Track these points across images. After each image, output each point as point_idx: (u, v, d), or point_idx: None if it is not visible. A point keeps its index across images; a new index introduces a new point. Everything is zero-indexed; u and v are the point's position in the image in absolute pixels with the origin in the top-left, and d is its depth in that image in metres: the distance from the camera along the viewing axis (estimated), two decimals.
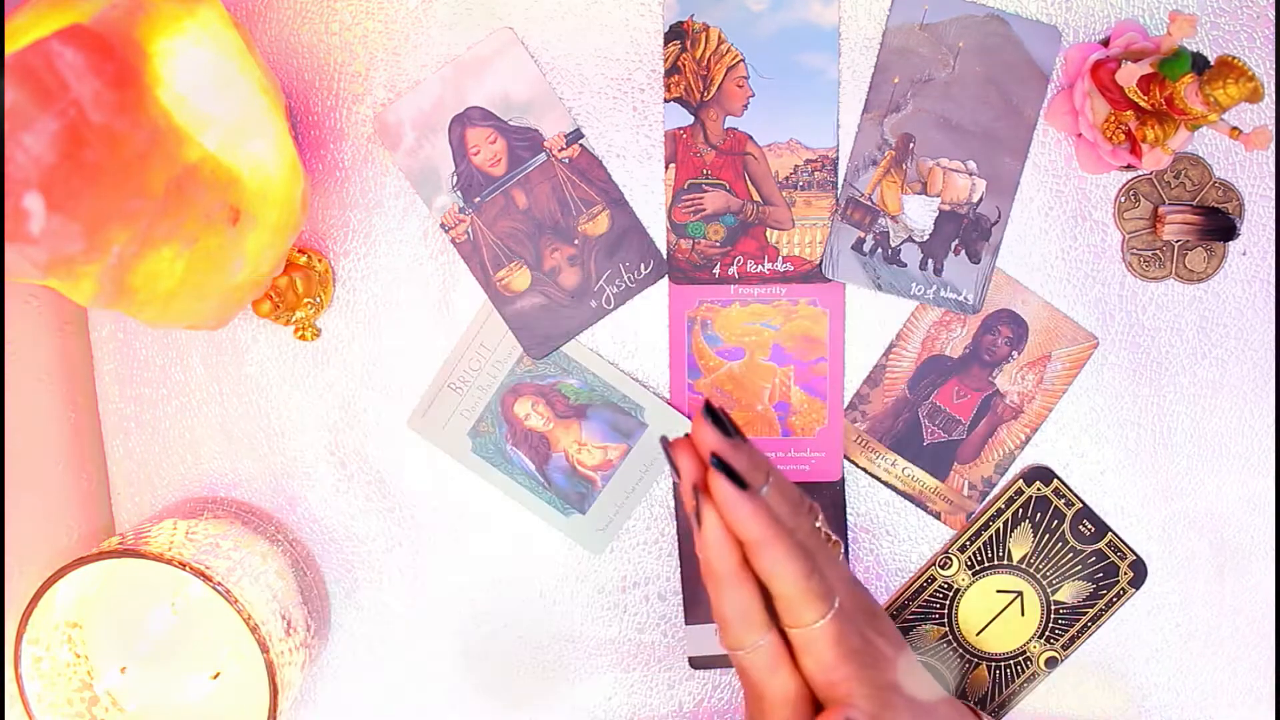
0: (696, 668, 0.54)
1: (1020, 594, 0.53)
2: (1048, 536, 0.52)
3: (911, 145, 0.50)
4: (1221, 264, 0.51)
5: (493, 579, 0.54)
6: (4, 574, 0.47)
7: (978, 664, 0.54)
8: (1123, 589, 0.52)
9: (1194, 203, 0.51)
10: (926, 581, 0.53)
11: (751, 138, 0.50)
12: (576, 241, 0.51)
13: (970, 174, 0.50)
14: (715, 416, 0.40)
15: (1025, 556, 0.52)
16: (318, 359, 0.52)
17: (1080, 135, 0.49)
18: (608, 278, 0.51)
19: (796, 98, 0.50)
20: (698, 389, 0.52)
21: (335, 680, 0.55)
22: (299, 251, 0.51)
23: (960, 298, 0.51)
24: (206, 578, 0.45)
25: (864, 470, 0.53)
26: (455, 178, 0.51)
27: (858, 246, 0.51)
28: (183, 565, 0.45)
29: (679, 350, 0.52)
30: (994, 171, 0.50)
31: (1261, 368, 0.52)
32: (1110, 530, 0.52)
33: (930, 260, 0.51)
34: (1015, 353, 0.51)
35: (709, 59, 0.50)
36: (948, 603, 0.53)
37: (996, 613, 0.53)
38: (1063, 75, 0.50)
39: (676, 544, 0.53)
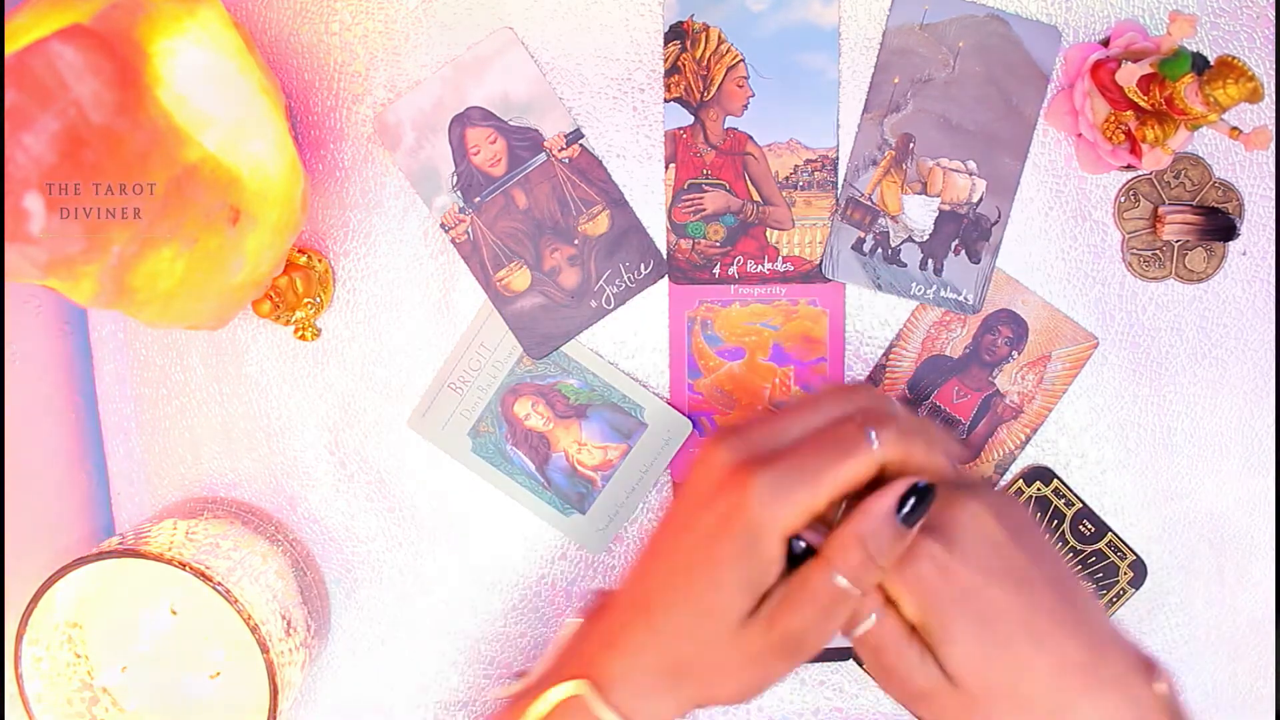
0: None
1: None
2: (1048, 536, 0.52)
3: (911, 145, 0.50)
4: (1221, 264, 0.51)
5: (493, 579, 0.54)
6: (4, 574, 0.47)
7: None
8: (1123, 589, 0.52)
9: (1194, 203, 0.51)
10: None
11: (751, 138, 0.50)
12: (576, 241, 0.51)
13: (970, 174, 0.50)
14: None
15: None
16: (318, 359, 0.52)
17: (1080, 135, 0.49)
18: (608, 278, 0.51)
19: (796, 98, 0.50)
20: (698, 389, 0.52)
21: (335, 680, 0.55)
22: (299, 251, 0.51)
23: (960, 298, 0.51)
24: (206, 578, 0.45)
25: None
26: (455, 178, 0.51)
27: (858, 246, 0.51)
28: (183, 565, 0.45)
29: (679, 350, 0.52)
30: (994, 171, 0.50)
31: (1261, 368, 0.52)
32: (1110, 530, 0.52)
33: (930, 260, 0.51)
34: (1015, 353, 0.51)
35: (709, 59, 0.50)
36: None
37: None
38: (1063, 75, 0.50)
39: None
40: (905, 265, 0.51)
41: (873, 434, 0.38)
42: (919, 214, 0.50)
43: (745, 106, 0.50)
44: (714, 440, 0.40)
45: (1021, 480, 0.52)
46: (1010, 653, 0.38)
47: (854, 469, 0.38)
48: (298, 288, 0.51)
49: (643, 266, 0.51)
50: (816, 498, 0.38)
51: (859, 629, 0.39)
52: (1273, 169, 0.50)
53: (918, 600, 0.39)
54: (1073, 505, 0.52)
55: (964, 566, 0.38)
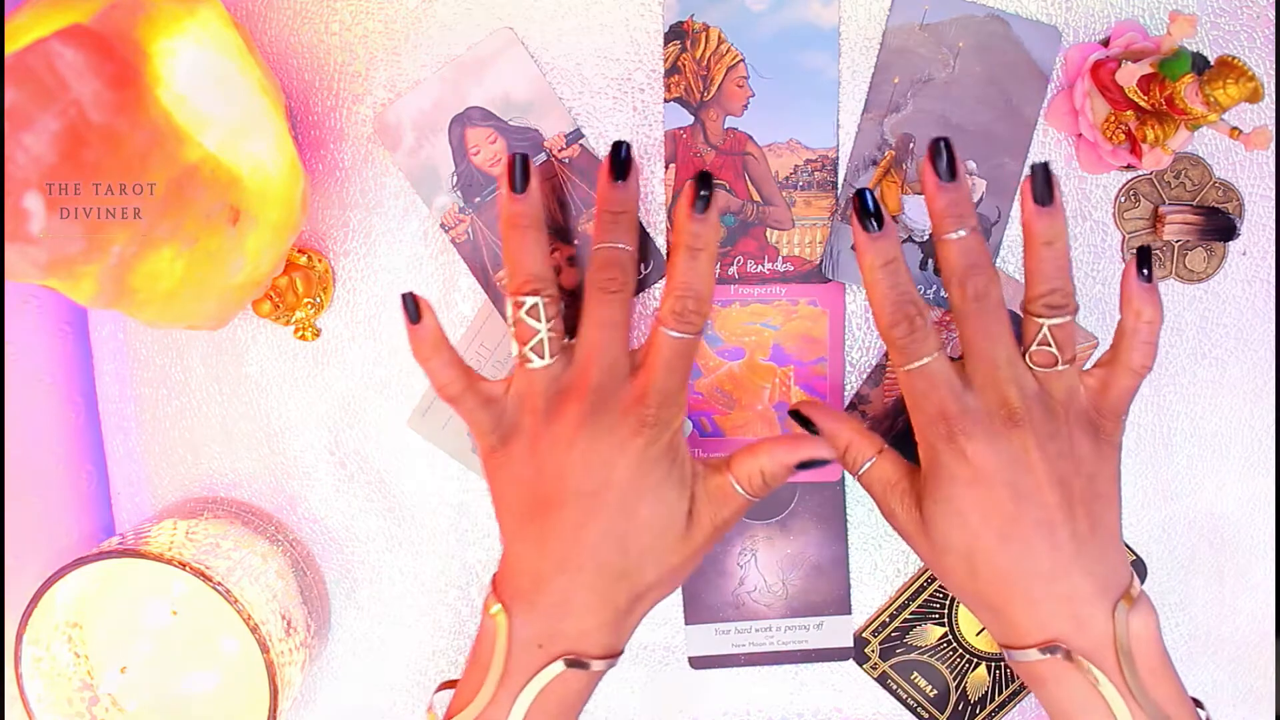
0: (696, 668, 0.54)
1: None
2: None
3: (911, 145, 0.50)
4: (1221, 264, 0.51)
5: None
6: (4, 574, 0.47)
7: (978, 664, 0.54)
8: None
9: (1194, 203, 0.51)
10: (927, 581, 0.53)
11: (751, 138, 0.50)
12: (576, 241, 0.51)
13: (970, 174, 0.50)
14: (943, 161, 0.43)
15: None
16: (318, 359, 0.52)
17: (1080, 135, 0.49)
18: None
19: (796, 98, 0.50)
20: (698, 389, 0.52)
21: (335, 680, 0.55)
22: (299, 251, 0.51)
23: None
24: (206, 578, 0.45)
25: None
26: (455, 178, 0.51)
27: None
28: (183, 565, 0.45)
29: None
30: (994, 171, 0.50)
31: (1261, 368, 0.52)
32: None
33: (930, 260, 0.51)
34: None
35: (709, 59, 0.50)
36: (948, 603, 0.53)
37: None
38: (1063, 75, 0.50)
39: None
40: None
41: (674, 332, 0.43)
42: (919, 214, 0.50)
43: (745, 106, 0.50)
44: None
45: None
46: (975, 534, 0.42)
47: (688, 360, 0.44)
48: (298, 288, 0.51)
49: (643, 266, 0.51)
50: (682, 397, 0.44)
51: (861, 469, 0.45)
52: (1273, 169, 0.50)
53: (925, 455, 0.44)
54: None
55: (978, 460, 0.42)
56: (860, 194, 0.44)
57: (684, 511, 0.44)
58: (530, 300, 0.44)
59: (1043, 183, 0.43)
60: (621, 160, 0.45)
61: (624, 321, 0.44)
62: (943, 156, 0.43)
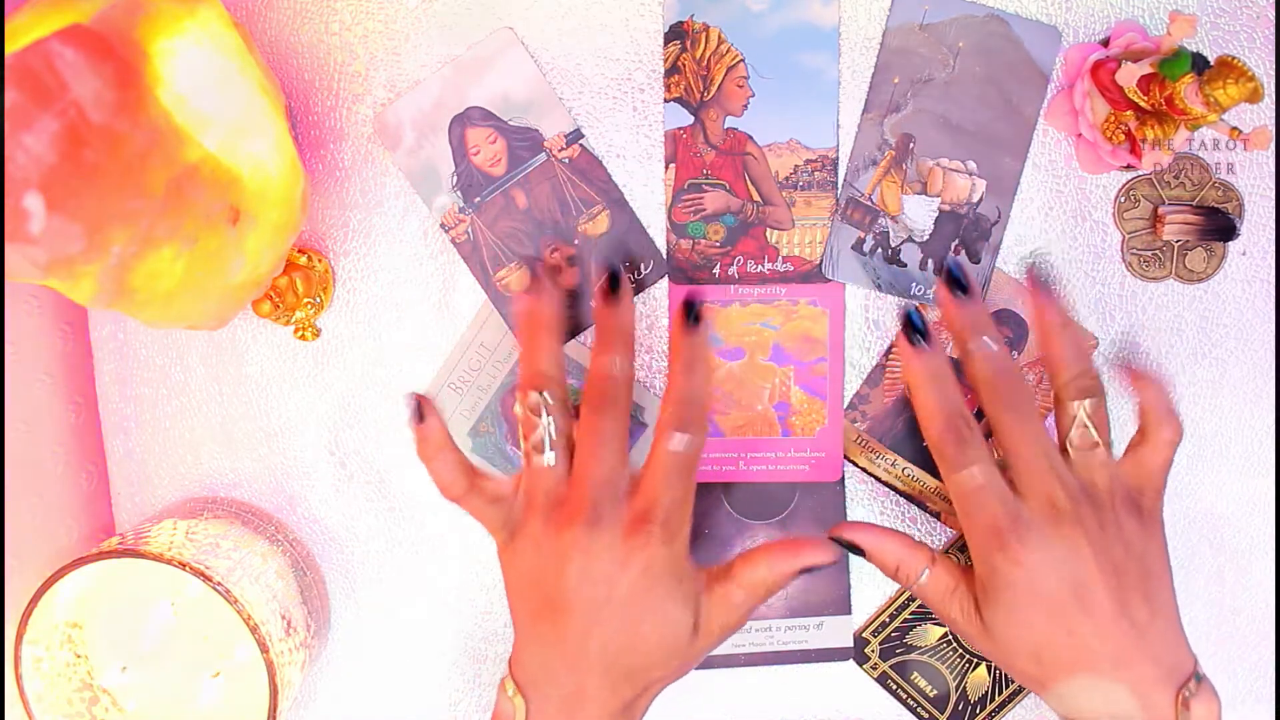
0: (696, 668, 0.54)
1: None
2: None
3: (911, 145, 0.50)
4: (1221, 264, 0.51)
5: (493, 579, 0.54)
6: (4, 574, 0.47)
7: (978, 664, 0.54)
8: None
9: (1194, 203, 0.51)
10: None
11: (751, 138, 0.50)
12: (576, 241, 0.51)
13: (970, 174, 0.50)
14: (954, 279, 0.46)
15: None
16: (318, 359, 0.52)
17: (1080, 135, 0.49)
18: None
19: (796, 98, 0.50)
20: None
21: (335, 680, 0.55)
22: (299, 251, 0.51)
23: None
24: (206, 578, 0.45)
25: (864, 470, 0.53)
26: (455, 178, 0.51)
27: (858, 246, 0.51)
28: (183, 565, 0.45)
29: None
30: (994, 171, 0.50)
31: (1261, 368, 0.52)
32: None
33: (930, 260, 0.51)
34: (1015, 353, 0.51)
35: (709, 59, 0.50)
36: None
37: None
38: (1063, 75, 0.50)
39: None
40: (905, 265, 0.51)
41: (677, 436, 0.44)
42: (919, 214, 0.50)
43: (745, 106, 0.50)
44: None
45: None
46: (1039, 632, 0.43)
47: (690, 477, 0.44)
48: (298, 288, 0.51)
49: (643, 266, 0.51)
50: (688, 509, 0.44)
51: (917, 582, 0.46)
52: (1273, 169, 0.50)
53: (981, 567, 0.44)
54: None
55: (1034, 565, 0.43)
56: (908, 313, 0.46)
57: (689, 624, 0.44)
58: (534, 397, 0.44)
59: (1042, 272, 0.46)
60: (612, 281, 0.46)
61: (618, 434, 0.44)
62: (956, 277, 0.46)
